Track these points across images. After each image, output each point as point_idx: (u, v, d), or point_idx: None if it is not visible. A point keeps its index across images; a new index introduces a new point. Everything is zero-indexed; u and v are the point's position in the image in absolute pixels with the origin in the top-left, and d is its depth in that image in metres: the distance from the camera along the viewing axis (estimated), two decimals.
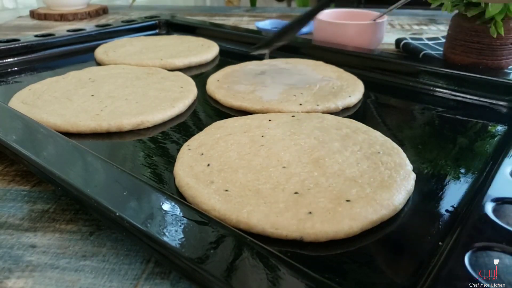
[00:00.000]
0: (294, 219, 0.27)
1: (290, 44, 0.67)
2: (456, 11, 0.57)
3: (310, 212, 0.28)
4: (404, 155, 0.35)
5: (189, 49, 0.66)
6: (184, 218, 0.25)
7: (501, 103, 0.48)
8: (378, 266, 0.26)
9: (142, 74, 0.55)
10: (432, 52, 0.63)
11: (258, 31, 0.76)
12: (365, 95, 0.51)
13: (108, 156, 0.36)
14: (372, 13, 0.71)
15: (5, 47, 0.62)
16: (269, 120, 0.41)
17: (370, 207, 0.28)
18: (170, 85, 0.51)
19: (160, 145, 0.40)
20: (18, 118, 0.38)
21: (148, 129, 0.43)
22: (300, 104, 0.46)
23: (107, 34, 0.74)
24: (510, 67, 0.57)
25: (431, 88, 0.53)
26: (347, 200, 0.29)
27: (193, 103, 0.49)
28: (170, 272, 0.26)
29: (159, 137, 0.41)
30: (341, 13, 0.75)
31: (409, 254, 0.26)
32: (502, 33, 0.52)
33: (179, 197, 0.30)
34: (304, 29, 0.83)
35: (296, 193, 0.30)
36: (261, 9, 1.21)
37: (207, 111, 0.48)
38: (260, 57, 0.61)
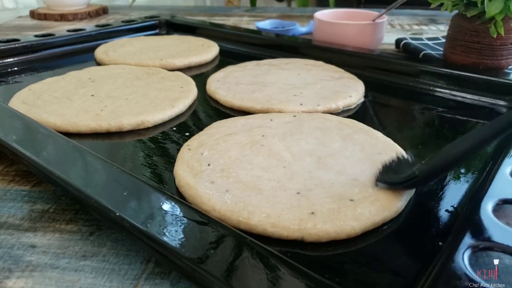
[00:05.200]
0: (296, 220, 0.27)
1: (290, 44, 0.67)
2: (456, 11, 0.57)
3: (313, 213, 0.28)
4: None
5: (189, 49, 0.66)
6: (184, 218, 0.25)
7: (501, 103, 0.48)
8: (378, 266, 0.25)
9: (142, 74, 0.55)
10: (432, 52, 0.63)
11: (258, 31, 0.76)
12: (366, 95, 0.51)
13: (108, 156, 0.36)
14: (372, 13, 0.71)
15: (5, 47, 0.62)
16: (270, 120, 0.41)
17: (373, 207, 0.28)
18: (170, 85, 0.51)
19: (160, 145, 0.40)
20: (18, 118, 0.38)
21: (148, 129, 0.43)
22: (301, 104, 0.46)
23: (107, 34, 0.74)
24: (510, 67, 0.57)
25: (431, 88, 0.53)
26: (351, 200, 0.29)
27: (193, 103, 0.49)
28: (170, 272, 0.26)
29: (159, 137, 0.41)
30: (341, 13, 0.75)
31: (409, 254, 0.26)
32: (502, 33, 0.52)
33: (179, 197, 0.30)
34: (304, 29, 0.83)
35: (298, 193, 0.30)
36: (261, 9, 1.21)
37: (207, 111, 0.48)
38: (260, 57, 0.61)
